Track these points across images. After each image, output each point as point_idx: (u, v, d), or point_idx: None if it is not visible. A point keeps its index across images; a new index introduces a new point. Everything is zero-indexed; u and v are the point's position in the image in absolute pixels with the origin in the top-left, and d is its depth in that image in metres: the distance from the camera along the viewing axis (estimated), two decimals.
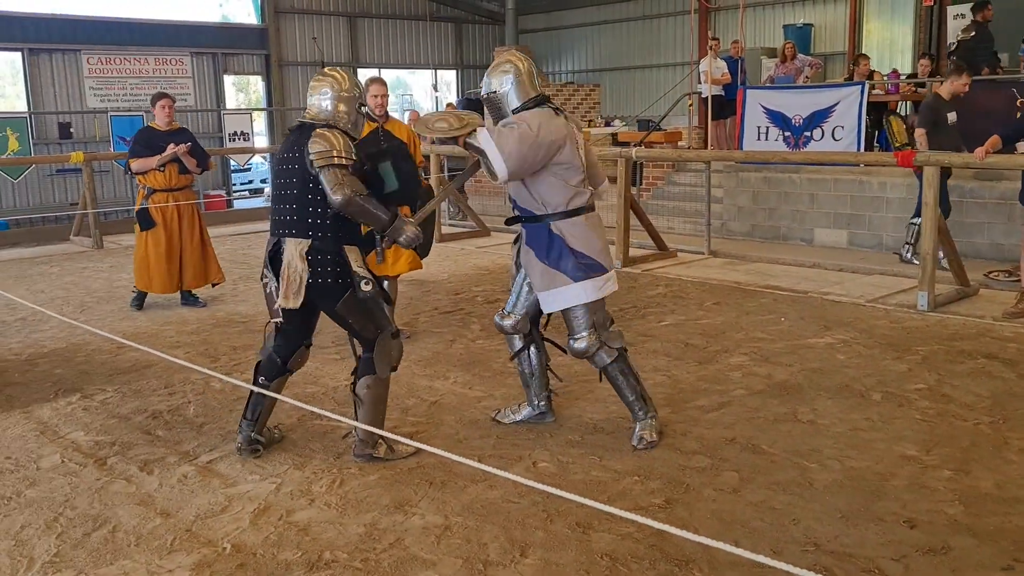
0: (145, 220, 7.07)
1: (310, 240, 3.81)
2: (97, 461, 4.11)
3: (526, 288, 4.30)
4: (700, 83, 12.54)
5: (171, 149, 6.92)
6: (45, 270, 9.37)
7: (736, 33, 13.59)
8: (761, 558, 1.81)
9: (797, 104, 10.20)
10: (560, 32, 21.73)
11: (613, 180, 10.14)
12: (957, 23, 13.09)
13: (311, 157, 3.76)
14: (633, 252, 8.96)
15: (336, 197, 3.72)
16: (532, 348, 4.43)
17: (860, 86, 9.95)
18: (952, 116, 7.76)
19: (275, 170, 4.07)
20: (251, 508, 3.58)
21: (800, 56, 12.89)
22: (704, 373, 5.24)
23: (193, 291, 7.40)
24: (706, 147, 12.22)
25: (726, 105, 11.91)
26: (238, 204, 17.96)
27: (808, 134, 10.11)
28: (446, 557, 3.17)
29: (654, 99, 17.49)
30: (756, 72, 14.54)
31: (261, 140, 19.40)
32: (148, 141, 7.05)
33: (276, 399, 4.05)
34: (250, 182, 20.28)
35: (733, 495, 3.61)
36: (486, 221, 11.28)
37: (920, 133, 7.65)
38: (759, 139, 10.34)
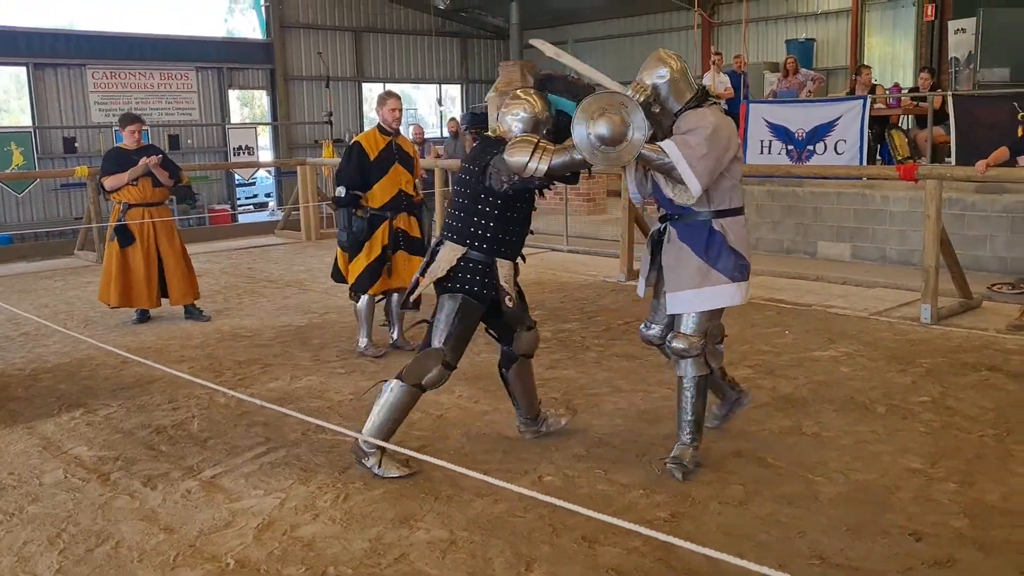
0: (124, 236, 7.09)
1: (466, 248, 3.94)
2: (100, 476, 4.11)
3: (665, 297, 4.24)
4: None
5: (143, 162, 6.96)
6: (49, 284, 9.39)
7: (739, 48, 13.66)
8: (767, 570, 1.81)
9: (800, 118, 10.24)
10: (565, 47, 21.77)
11: (617, 194, 10.19)
12: (957, 38, 13.16)
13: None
14: (637, 266, 8.95)
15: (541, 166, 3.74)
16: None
17: (862, 100, 9.99)
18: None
19: (455, 177, 4.24)
20: (255, 523, 3.58)
21: (802, 71, 12.92)
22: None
23: (197, 305, 7.42)
24: None
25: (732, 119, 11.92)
26: (243, 218, 18.01)
27: (811, 148, 10.14)
28: (451, 572, 3.16)
29: None
30: (759, 86, 14.59)
31: (266, 154, 19.49)
32: (118, 159, 7.09)
33: (528, 381, 4.39)
34: (255, 196, 20.35)
35: (739, 508, 3.61)
36: None
37: (1004, 152, 6.83)
38: (762, 153, 10.37)
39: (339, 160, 6.32)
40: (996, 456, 4.07)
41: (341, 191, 5.91)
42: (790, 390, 5.11)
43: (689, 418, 4.02)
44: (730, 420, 4.52)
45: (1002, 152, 6.44)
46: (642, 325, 4.38)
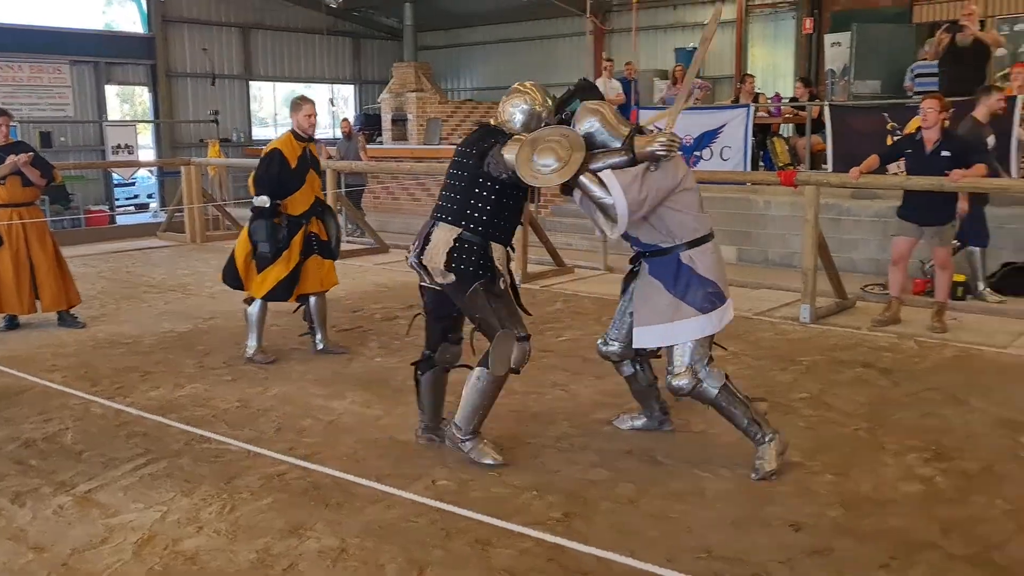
0: None
1: (461, 229, 3.99)
2: None
3: (628, 317, 4.27)
4: None
5: (11, 160, 6.59)
6: None
7: (630, 55, 13.95)
8: (652, 567, 1.84)
9: (687, 124, 10.51)
10: (459, 50, 21.83)
11: None
12: (834, 51, 13.81)
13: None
14: (532, 268, 9.04)
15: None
16: (639, 367, 4.46)
17: (746, 108, 10.35)
18: (991, 140, 7.41)
19: (452, 161, 4.21)
20: (134, 539, 3.42)
21: None
22: (602, 387, 5.31)
23: (71, 311, 7.07)
24: None
25: None
26: (121, 220, 17.25)
27: (698, 154, 10.44)
28: None
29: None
30: (649, 93, 14.94)
31: (147, 153, 18.73)
32: None
33: (440, 392, 4.40)
34: (135, 197, 19.52)
35: (630, 506, 3.67)
36: (384, 238, 11.20)
37: (982, 169, 6.64)
38: None
39: (255, 167, 6.10)
40: (869, 448, 4.27)
41: (264, 200, 5.75)
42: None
43: (744, 424, 3.99)
44: (636, 430, 4.56)
45: (873, 160, 6.77)
46: (600, 341, 4.47)
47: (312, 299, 6.09)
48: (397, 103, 16.80)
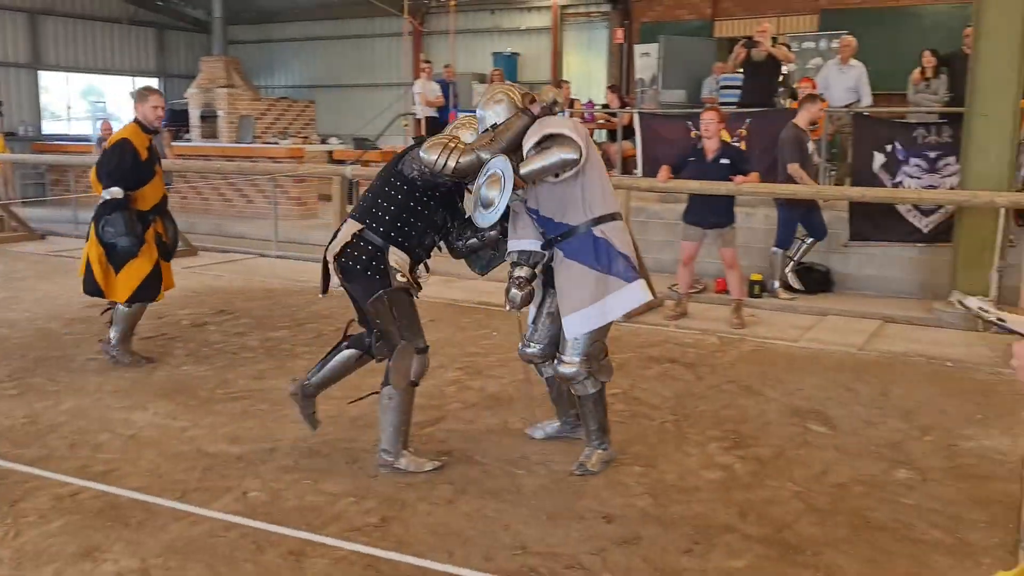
0: None
1: (363, 227, 3.94)
2: None
3: (546, 317, 4.17)
4: (415, 104, 12.77)
5: None
6: None
7: (448, 58, 14.02)
8: (467, 572, 1.84)
9: None
10: (272, 45, 21.16)
11: (328, 199, 10.03)
12: (643, 60, 14.48)
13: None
14: None
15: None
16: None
17: (561, 115, 10.63)
18: (811, 145, 7.99)
19: (383, 165, 4.21)
20: None
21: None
22: (420, 390, 5.21)
23: None
24: None
25: (440, 126, 12.22)
26: None
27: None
28: None
29: (370, 118, 17.55)
30: (468, 96, 15.07)
31: None
32: None
33: (340, 372, 4.34)
34: None
35: (447, 507, 3.67)
36: (193, 240, 10.66)
37: (795, 168, 7.69)
38: None
39: (98, 158, 5.79)
40: (674, 440, 4.49)
41: (118, 192, 5.39)
42: (497, 389, 5.30)
43: (593, 427, 4.06)
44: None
45: (665, 170, 7.11)
46: (520, 344, 4.33)
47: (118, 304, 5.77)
48: (206, 99, 16.08)
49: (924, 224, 8.16)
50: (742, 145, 8.95)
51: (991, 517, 3.62)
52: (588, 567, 3.18)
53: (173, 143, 13.82)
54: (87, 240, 5.64)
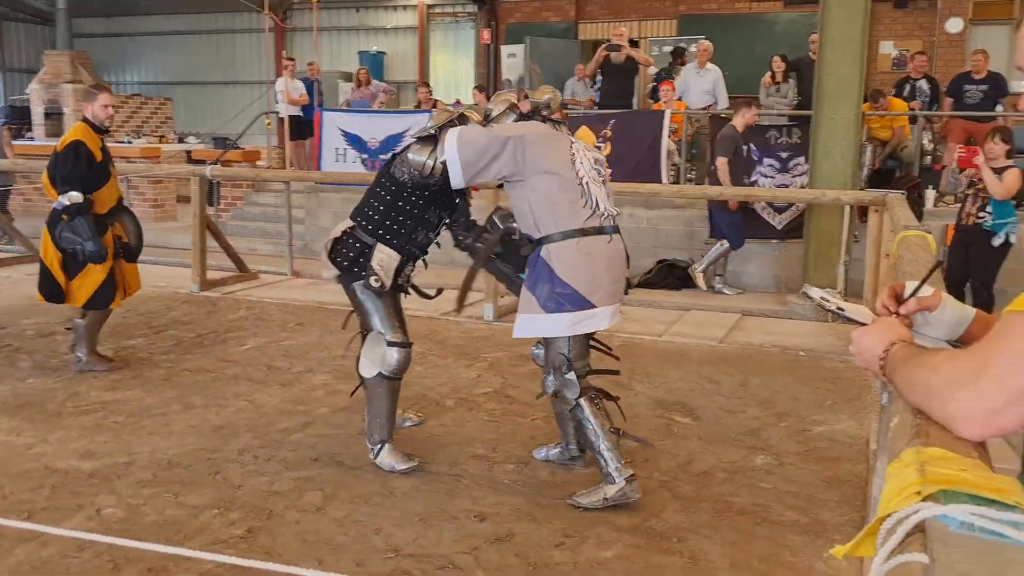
0: None
1: (354, 224, 4.00)
2: None
3: None
4: (278, 103, 12.44)
5: None
6: None
7: (312, 55, 13.72)
8: None
9: (373, 128, 10.57)
10: (124, 40, 20.15)
11: (187, 200, 9.64)
12: (510, 61, 14.61)
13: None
14: (212, 275, 8.56)
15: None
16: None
17: (428, 114, 10.60)
18: (745, 148, 8.32)
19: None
20: None
21: (374, 82, 13.37)
22: (288, 395, 5.15)
23: None
24: (285, 167, 12.14)
25: (304, 126, 11.95)
26: None
27: (384, 157, 10.50)
28: None
29: (231, 116, 16.98)
30: (333, 95, 14.81)
31: None
32: None
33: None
34: None
35: (317, 514, 3.59)
36: (37, 244, 10.00)
37: (723, 162, 7.94)
38: (337, 160, 10.53)
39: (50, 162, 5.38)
40: (546, 436, 4.53)
41: (76, 196, 5.08)
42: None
43: (598, 448, 3.72)
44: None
45: None
46: (535, 344, 4.28)
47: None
48: (50, 95, 15.15)
49: (778, 221, 8.57)
50: (607, 146, 9.16)
51: (841, 496, 3.84)
52: (461, 566, 3.17)
53: (14, 142, 12.94)
54: (42, 246, 5.41)
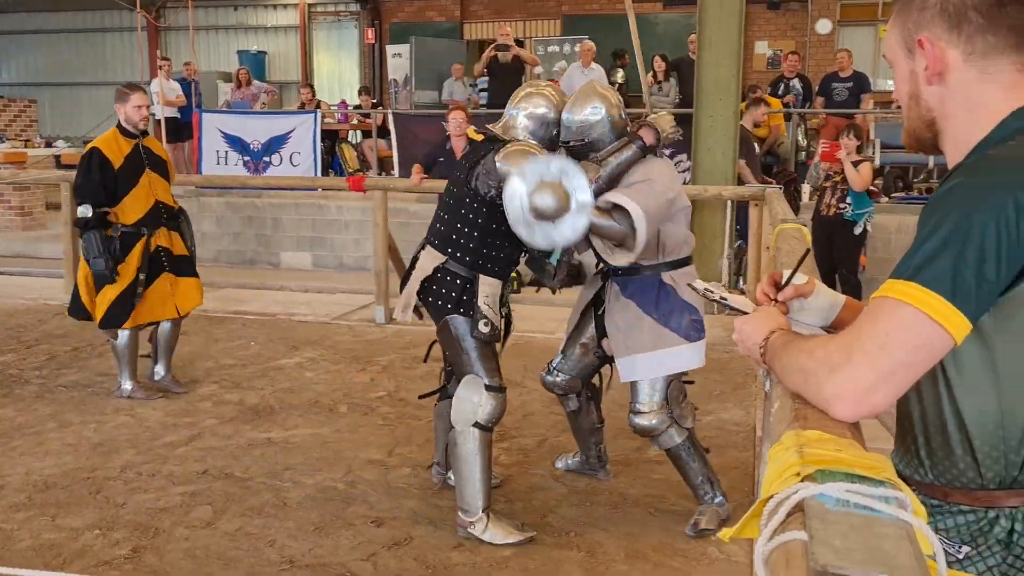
0: None
1: (446, 258, 3.41)
2: None
3: (579, 348, 3.76)
4: (153, 104, 11.97)
5: None
6: None
7: (188, 55, 13.28)
8: None
9: (255, 129, 10.30)
10: None
11: (58, 206, 9.15)
12: (395, 61, 14.49)
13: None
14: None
15: None
16: (586, 404, 3.95)
17: (313, 114, 10.41)
18: (757, 146, 8.21)
19: (452, 174, 3.62)
20: None
21: (256, 82, 13.04)
22: (172, 408, 4.96)
23: None
24: None
25: (183, 128, 11.55)
26: None
27: (267, 159, 10.28)
28: None
29: (103, 119, 16.22)
30: (213, 96, 14.34)
31: None
32: None
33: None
34: None
35: (207, 529, 3.47)
36: None
37: (741, 165, 7.75)
38: (219, 163, 10.22)
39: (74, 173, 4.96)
40: None
41: (86, 210, 4.68)
42: (256, 400, 5.09)
43: (697, 480, 3.56)
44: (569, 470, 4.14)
45: (418, 167, 7.17)
46: (543, 371, 3.95)
47: (166, 324, 5.18)
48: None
49: None
50: None
51: (730, 483, 3.96)
52: (359, 574, 3.13)
53: None
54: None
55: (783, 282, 1.46)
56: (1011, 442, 1.19)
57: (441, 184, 7.32)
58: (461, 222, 3.42)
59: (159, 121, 11.40)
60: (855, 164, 6.78)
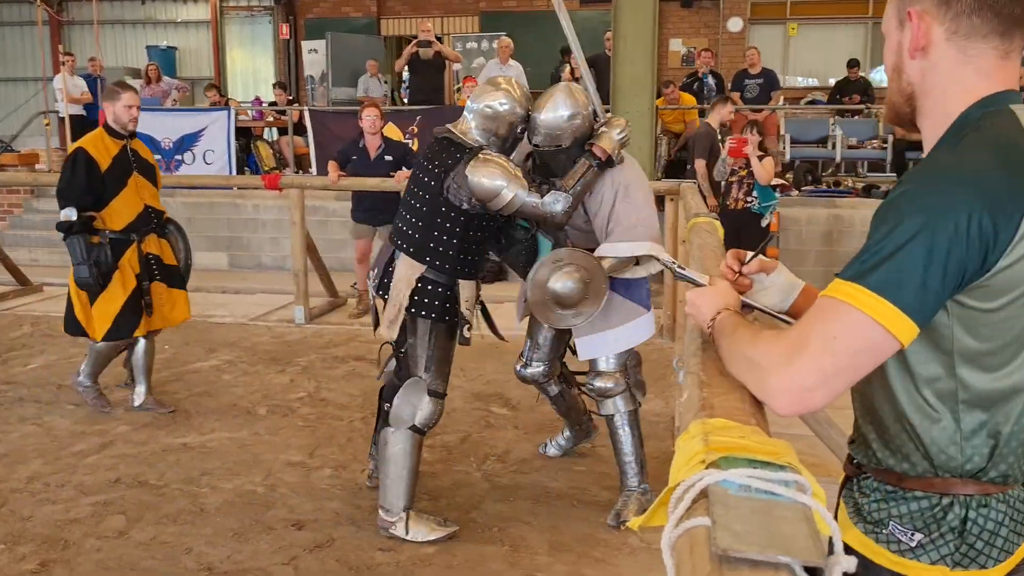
0: None
1: (424, 267, 3.34)
2: None
3: (548, 331, 3.82)
4: (57, 101, 11.53)
5: None
6: None
7: (93, 50, 12.83)
8: None
9: (166, 127, 10.03)
10: None
11: None
12: (311, 57, 14.27)
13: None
14: None
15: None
16: (566, 384, 4.06)
17: (226, 111, 10.18)
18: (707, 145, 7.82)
19: (414, 173, 3.48)
20: None
21: (166, 79, 12.68)
22: (81, 415, 4.79)
23: None
24: None
25: (89, 126, 11.10)
26: None
27: (179, 157, 10.02)
28: None
29: (2, 117, 15.55)
30: None
31: None
32: None
33: None
34: None
35: (119, 539, 3.37)
36: None
37: (700, 164, 7.62)
38: None
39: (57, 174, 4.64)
40: (364, 438, 4.46)
41: (70, 213, 4.40)
42: (171, 405, 4.95)
43: (629, 459, 3.62)
44: (570, 451, 4.27)
45: (333, 165, 7.07)
46: (518, 364, 3.98)
47: (142, 342, 4.85)
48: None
49: None
50: (415, 142, 9.14)
51: (650, 472, 4.02)
52: None
53: None
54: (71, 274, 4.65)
55: (747, 259, 1.49)
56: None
57: (356, 182, 7.29)
58: (438, 231, 3.36)
59: (63, 119, 11.00)
60: (759, 159, 6.99)
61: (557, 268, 3.30)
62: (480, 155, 3.28)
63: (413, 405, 3.36)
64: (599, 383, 3.61)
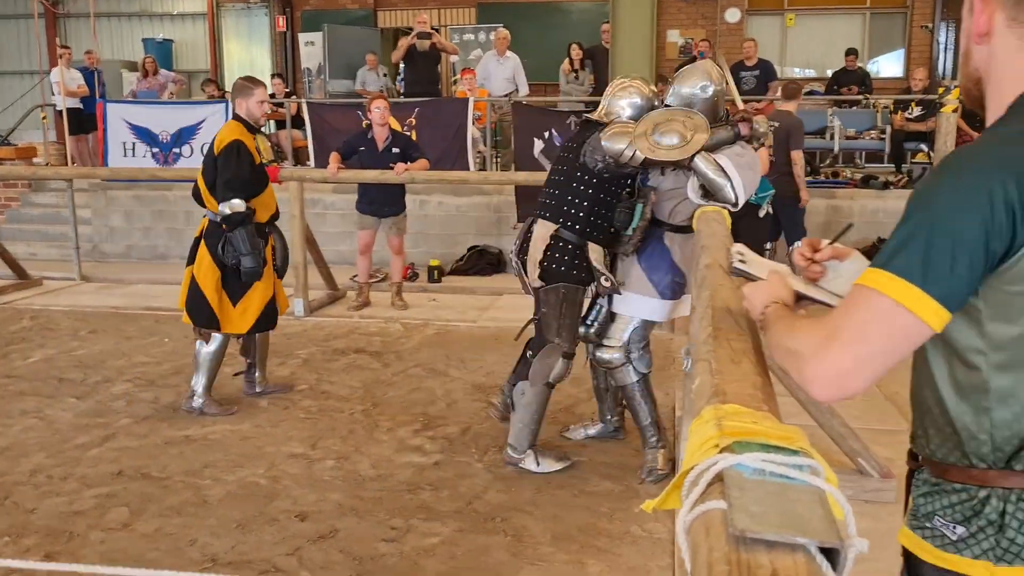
0: None
1: (557, 227, 3.80)
2: None
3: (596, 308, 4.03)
4: (54, 95, 11.50)
5: None
6: None
7: (89, 43, 12.77)
8: None
9: (163, 120, 9.99)
10: None
11: None
12: (308, 49, 14.24)
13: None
14: None
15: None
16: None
17: (224, 104, 10.15)
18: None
19: (556, 156, 4.12)
20: None
21: (163, 71, 12.64)
22: (84, 408, 4.80)
23: None
24: (67, 164, 11.25)
25: (86, 119, 11.11)
26: None
27: (177, 150, 9.99)
28: None
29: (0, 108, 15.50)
30: (117, 86, 13.85)
31: None
32: None
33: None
34: None
35: (124, 531, 3.38)
36: None
37: (798, 155, 7.55)
38: (126, 155, 9.88)
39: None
40: (365, 429, 4.49)
41: (238, 204, 4.41)
42: (173, 398, 4.96)
43: (647, 422, 3.96)
44: (589, 441, 4.38)
45: (335, 156, 7.06)
46: (595, 348, 4.08)
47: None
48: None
49: None
50: (412, 134, 9.13)
51: None
52: (284, 569, 3.09)
53: None
54: (191, 263, 4.67)
55: (822, 246, 1.49)
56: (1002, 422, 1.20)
57: (354, 174, 7.29)
58: (571, 194, 3.85)
59: (60, 112, 10.97)
60: (754, 150, 6.95)
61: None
62: (614, 123, 3.79)
63: (549, 366, 3.85)
64: (600, 353, 3.99)
